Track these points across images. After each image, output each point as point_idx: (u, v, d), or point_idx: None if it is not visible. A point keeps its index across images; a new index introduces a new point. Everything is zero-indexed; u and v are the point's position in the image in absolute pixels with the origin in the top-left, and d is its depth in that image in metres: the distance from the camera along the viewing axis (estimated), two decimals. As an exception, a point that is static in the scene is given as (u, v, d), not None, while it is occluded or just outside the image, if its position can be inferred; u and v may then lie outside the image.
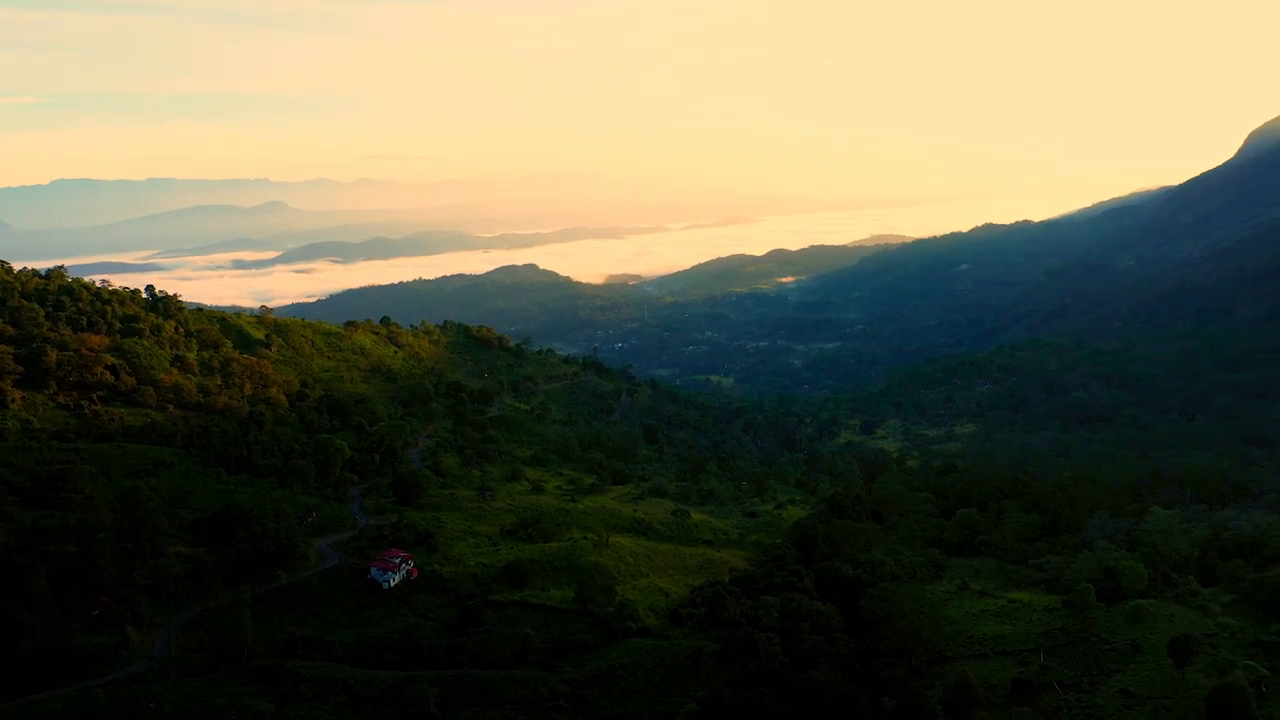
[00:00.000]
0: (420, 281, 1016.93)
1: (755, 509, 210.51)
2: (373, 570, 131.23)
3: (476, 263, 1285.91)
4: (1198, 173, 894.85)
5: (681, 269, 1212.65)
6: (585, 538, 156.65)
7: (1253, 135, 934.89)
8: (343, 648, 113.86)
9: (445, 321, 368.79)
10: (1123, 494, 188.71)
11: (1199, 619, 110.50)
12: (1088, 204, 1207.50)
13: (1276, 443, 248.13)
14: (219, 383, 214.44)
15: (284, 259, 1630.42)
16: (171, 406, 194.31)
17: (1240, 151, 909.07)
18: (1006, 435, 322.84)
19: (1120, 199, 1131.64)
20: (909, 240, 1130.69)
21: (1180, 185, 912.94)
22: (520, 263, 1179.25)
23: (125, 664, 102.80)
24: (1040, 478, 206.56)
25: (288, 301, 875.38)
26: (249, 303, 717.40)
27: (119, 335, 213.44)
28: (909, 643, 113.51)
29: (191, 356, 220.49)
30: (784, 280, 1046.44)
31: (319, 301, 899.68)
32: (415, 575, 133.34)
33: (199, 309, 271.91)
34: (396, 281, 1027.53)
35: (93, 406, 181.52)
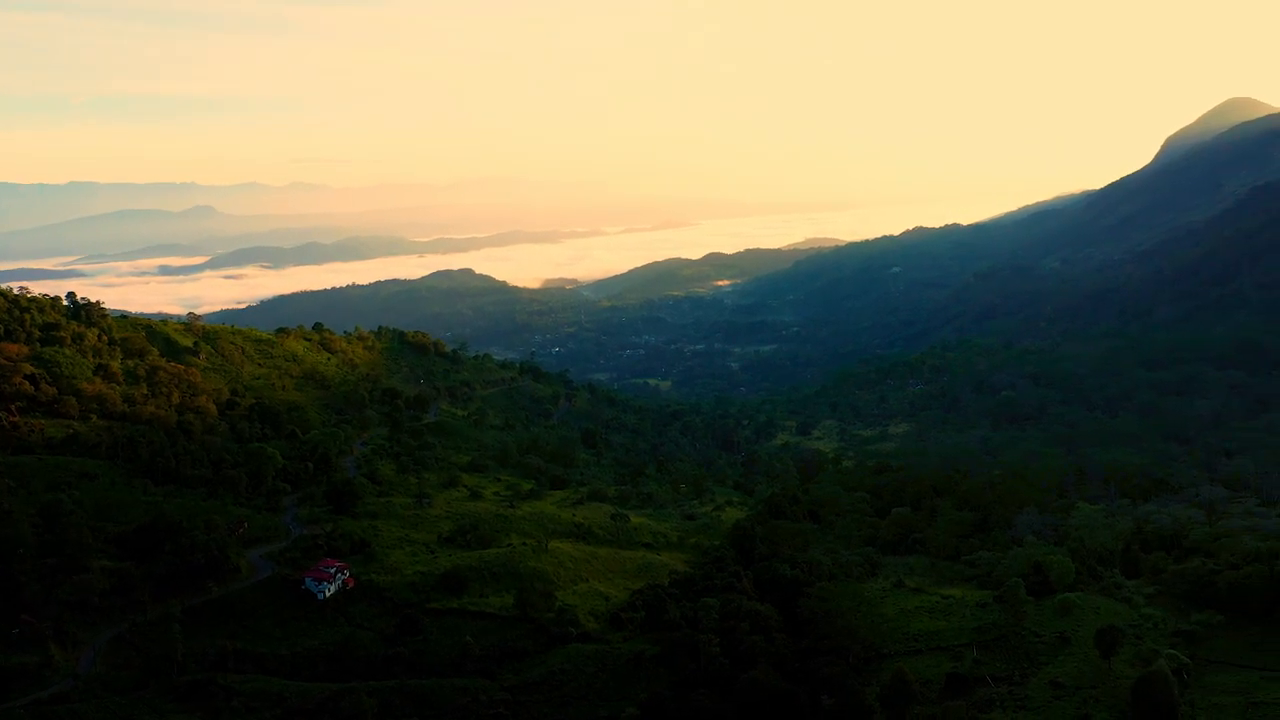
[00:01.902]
0: (354, 287, 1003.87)
1: (694, 511, 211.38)
2: (307, 581, 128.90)
3: (411, 267, 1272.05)
4: (1118, 177, 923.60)
5: (618, 273, 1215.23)
6: (524, 543, 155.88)
7: (1169, 141, 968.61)
8: (276, 661, 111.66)
9: (380, 327, 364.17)
10: (1050, 490, 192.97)
11: (1124, 610, 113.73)
12: (1013, 207, 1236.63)
13: (1195, 439, 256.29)
14: (145, 392, 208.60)
15: (213, 264, 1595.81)
16: (95, 417, 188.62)
17: (1158, 157, 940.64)
18: (939, 434, 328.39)
19: (1044, 203, 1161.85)
20: (842, 243, 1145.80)
21: (1101, 189, 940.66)
22: (456, 267, 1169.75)
23: (49, 683, 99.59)
24: (971, 475, 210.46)
25: (217, 308, 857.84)
26: (176, 309, 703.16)
27: (38, 344, 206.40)
28: (846, 641, 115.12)
29: (116, 365, 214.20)
30: (720, 283, 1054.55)
31: (249, 308, 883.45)
32: (351, 585, 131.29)
33: (123, 316, 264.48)
34: (329, 287, 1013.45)
35: (11, 418, 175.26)
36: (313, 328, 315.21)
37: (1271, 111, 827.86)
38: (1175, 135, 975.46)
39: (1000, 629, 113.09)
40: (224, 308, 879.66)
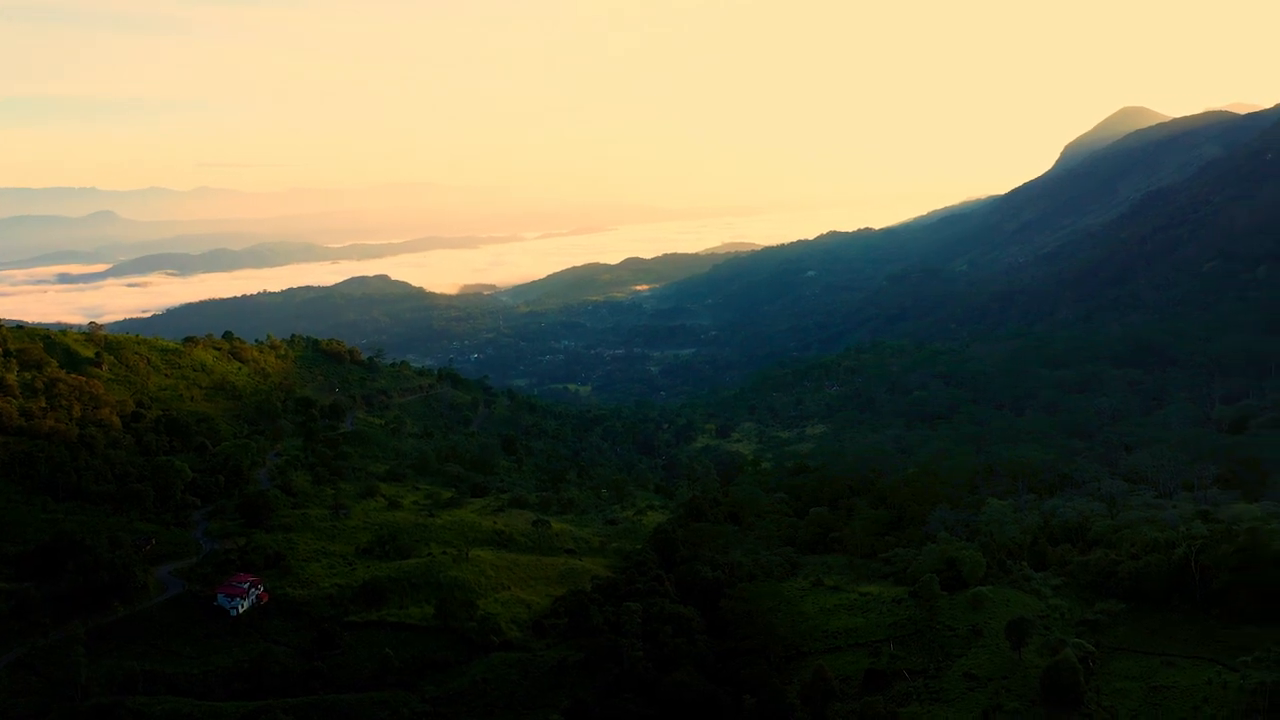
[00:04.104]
0: (265, 294, 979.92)
1: (616, 516, 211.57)
2: (219, 597, 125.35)
3: (325, 274, 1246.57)
4: (1021, 182, 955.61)
5: (537, 278, 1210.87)
6: (444, 552, 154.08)
7: (1068, 148, 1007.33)
8: (188, 681, 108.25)
9: (293, 335, 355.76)
10: (961, 487, 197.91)
11: (1032, 602, 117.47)
12: (924, 212, 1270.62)
13: (1096, 435, 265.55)
14: (43, 405, 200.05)
15: (115, 272, 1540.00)
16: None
17: (1058, 163, 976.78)
18: (854, 434, 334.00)
19: (953, 207, 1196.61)
20: (758, 247, 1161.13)
21: (1006, 194, 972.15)
22: (371, 273, 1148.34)
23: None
24: (886, 474, 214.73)
25: (120, 317, 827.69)
26: (77, 319, 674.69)
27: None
28: (767, 640, 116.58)
29: (11, 378, 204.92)
30: (639, 288, 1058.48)
31: (155, 316, 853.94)
32: (266, 600, 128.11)
33: (19, 327, 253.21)
34: (239, 294, 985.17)
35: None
36: (222, 336, 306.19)
37: (1162, 120, 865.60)
38: (1073, 142, 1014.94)
39: (916, 624, 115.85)
40: (128, 317, 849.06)
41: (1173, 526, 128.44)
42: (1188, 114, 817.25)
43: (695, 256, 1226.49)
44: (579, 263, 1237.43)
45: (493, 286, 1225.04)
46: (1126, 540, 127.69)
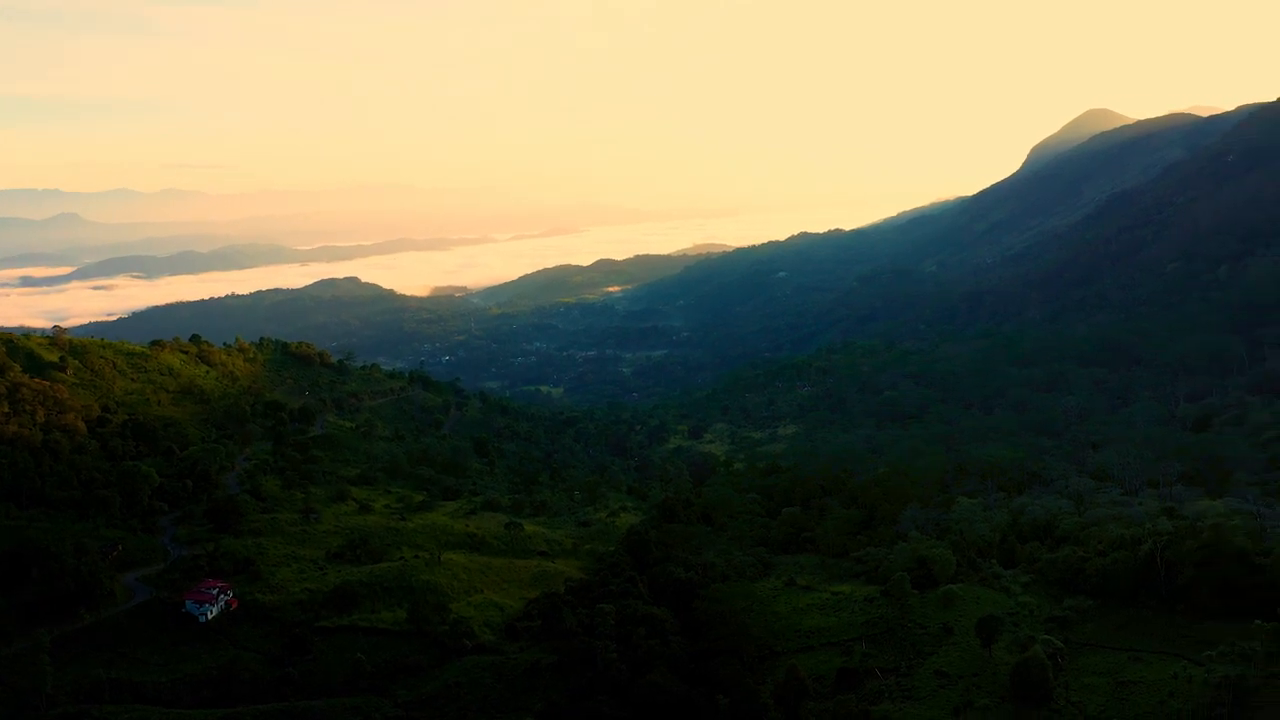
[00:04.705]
0: (233, 297, 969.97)
1: (588, 518, 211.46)
2: (188, 603, 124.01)
3: (294, 276, 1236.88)
4: (989, 184, 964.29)
5: (508, 280, 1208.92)
6: (416, 556, 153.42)
7: (1035, 150, 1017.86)
8: (156, 689, 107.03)
9: (262, 338, 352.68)
10: (932, 486, 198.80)
11: (1002, 599, 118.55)
12: (893, 213, 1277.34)
13: (1063, 433, 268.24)
14: (6, 410, 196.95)
15: (80, 275, 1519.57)
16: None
17: (1025, 165, 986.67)
18: (826, 434, 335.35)
19: (922, 208, 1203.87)
20: (730, 249, 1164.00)
21: (974, 196, 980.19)
22: (341, 276, 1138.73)
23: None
24: (857, 474, 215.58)
25: (85, 321, 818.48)
26: (40, 323, 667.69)
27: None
28: (740, 640, 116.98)
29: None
30: (611, 290, 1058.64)
31: (120, 320, 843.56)
32: (235, 606, 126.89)
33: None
34: (207, 297, 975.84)
35: None
36: (189, 340, 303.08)
37: (1126, 122, 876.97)
38: (1040, 144, 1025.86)
39: (888, 622, 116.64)
40: (93, 320, 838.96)
41: (1139, 523, 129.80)
42: (1151, 116, 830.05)
43: (667, 258, 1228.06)
44: (550, 264, 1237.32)
45: (464, 288, 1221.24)
46: (1094, 537, 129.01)
